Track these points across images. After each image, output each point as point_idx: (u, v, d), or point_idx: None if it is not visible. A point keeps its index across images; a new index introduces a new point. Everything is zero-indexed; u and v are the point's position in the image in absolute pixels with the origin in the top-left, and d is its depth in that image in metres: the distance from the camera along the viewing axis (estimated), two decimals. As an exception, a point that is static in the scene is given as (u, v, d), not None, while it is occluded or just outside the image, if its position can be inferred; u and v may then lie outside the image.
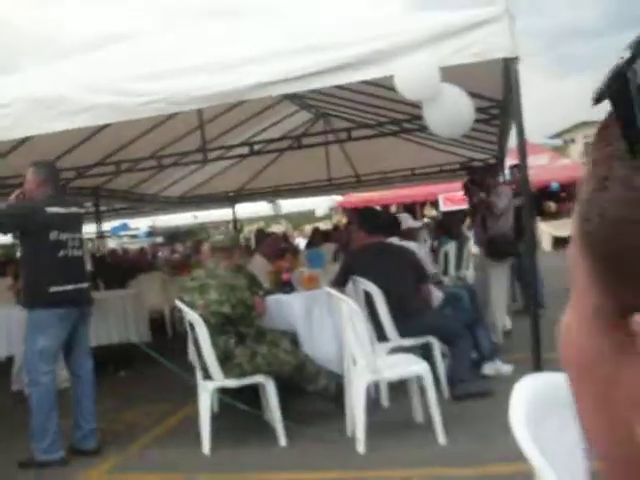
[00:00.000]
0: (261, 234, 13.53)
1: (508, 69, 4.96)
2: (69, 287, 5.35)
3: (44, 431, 5.25)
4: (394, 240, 6.84)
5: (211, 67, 5.03)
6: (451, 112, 4.69)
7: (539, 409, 1.48)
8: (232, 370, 5.24)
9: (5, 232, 5.83)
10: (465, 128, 4.96)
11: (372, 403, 5.22)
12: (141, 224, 25.32)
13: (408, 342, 5.81)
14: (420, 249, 6.87)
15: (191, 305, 5.35)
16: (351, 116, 10.92)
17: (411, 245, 6.76)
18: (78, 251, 5.54)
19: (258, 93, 4.98)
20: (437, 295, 6.55)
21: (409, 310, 5.85)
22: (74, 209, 5.67)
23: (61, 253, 5.37)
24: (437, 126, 4.84)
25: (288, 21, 5.22)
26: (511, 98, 5.12)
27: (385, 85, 6.57)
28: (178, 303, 5.46)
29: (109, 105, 5.22)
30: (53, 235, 5.33)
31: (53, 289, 5.28)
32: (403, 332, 5.82)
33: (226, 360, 5.25)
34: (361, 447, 4.79)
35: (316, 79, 4.76)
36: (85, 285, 5.60)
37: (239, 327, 5.37)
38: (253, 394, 5.65)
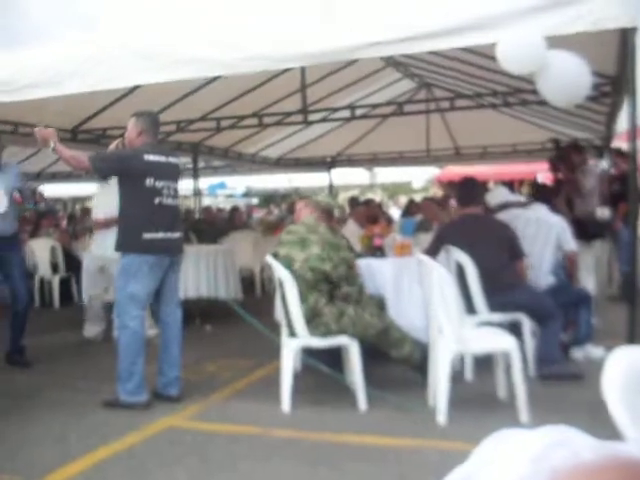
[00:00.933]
0: (354, 201, 13.53)
1: (625, 41, 4.73)
2: (162, 235, 5.41)
3: (130, 373, 5.36)
4: (543, 209, 6.66)
5: (315, 25, 4.96)
6: (563, 79, 4.47)
7: (633, 382, 1.39)
8: (318, 328, 5.22)
9: (103, 176, 5.89)
10: (582, 94, 4.70)
11: (456, 375, 5.13)
12: (237, 184, 25.56)
13: (497, 317, 5.69)
14: (562, 223, 6.55)
15: (288, 259, 5.31)
16: (454, 87, 10.72)
17: (556, 218, 6.54)
18: (173, 200, 5.58)
19: (359, 53, 4.87)
20: (549, 280, 6.31)
21: (501, 285, 5.71)
22: (172, 159, 5.68)
23: (156, 200, 5.43)
24: (550, 95, 4.62)
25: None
26: (626, 74, 4.88)
27: (489, 55, 6.41)
28: (269, 258, 5.45)
29: (210, 58, 5.21)
30: (149, 182, 5.39)
31: (146, 235, 5.35)
32: (493, 307, 5.70)
33: (313, 318, 5.23)
34: (442, 418, 4.72)
35: (416, 43, 4.60)
36: (178, 234, 5.62)
37: (341, 285, 5.32)
38: (336, 356, 5.64)
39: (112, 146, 5.69)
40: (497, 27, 4.31)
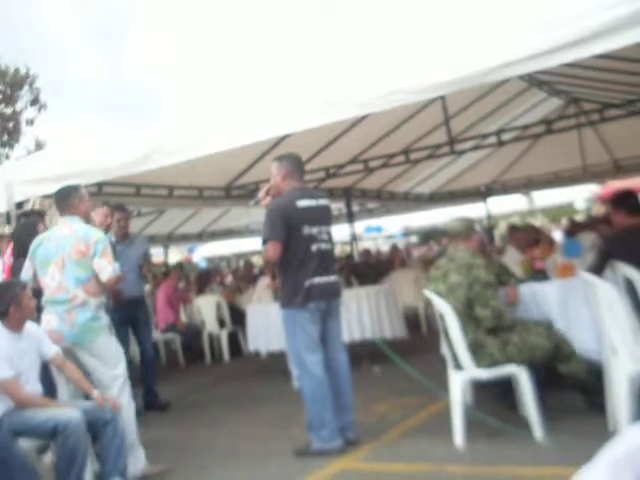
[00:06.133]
0: (512, 228, 13.24)
1: None
2: (318, 279, 5.37)
3: (321, 420, 5.29)
4: None
5: (448, 53, 4.89)
6: None
7: None
8: (483, 359, 5.08)
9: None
10: None
11: (637, 396, 4.83)
12: (393, 224, 25.57)
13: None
14: None
15: (437, 294, 5.26)
16: (604, 98, 10.34)
17: None
18: (327, 244, 5.52)
19: (495, 75, 4.75)
20: None
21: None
22: (322, 201, 5.62)
23: (313, 247, 5.39)
24: None
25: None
26: None
27: (635, 58, 6.12)
28: (428, 293, 5.37)
29: (348, 99, 5.25)
30: (305, 230, 5.36)
31: (307, 283, 5.33)
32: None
33: (477, 350, 5.10)
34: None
35: (553, 56, 4.42)
36: (334, 277, 5.57)
37: (474, 308, 5.17)
38: (507, 388, 5.45)
39: (262, 192, 5.64)
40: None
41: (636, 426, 0.79)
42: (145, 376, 7.94)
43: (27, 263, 5.52)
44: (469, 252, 5.38)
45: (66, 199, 5.52)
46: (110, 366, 5.29)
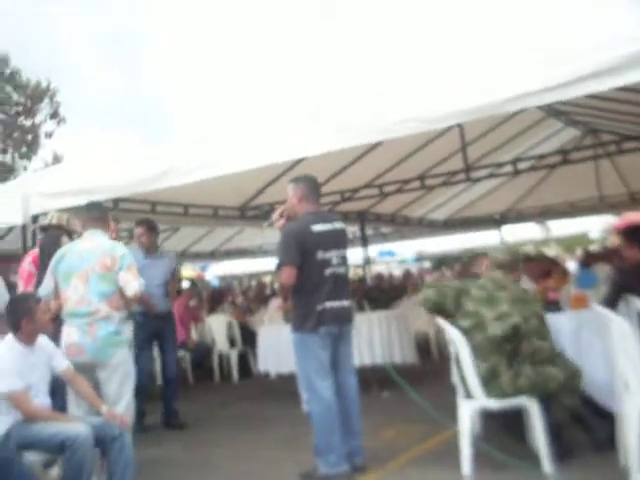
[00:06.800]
0: (526, 257, 13.20)
1: None
2: (331, 304, 5.35)
3: (329, 445, 5.25)
4: None
5: (467, 81, 4.90)
6: None
7: None
8: (494, 390, 5.03)
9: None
10: None
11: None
12: (407, 248, 25.51)
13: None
14: None
15: (474, 314, 5.20)
16: (622, 130, 10.31)
17: None
18: (342, 268, 5.49)
19: (516, 105, 4.76)
20: None
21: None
22: (337, 225, 5.59)
23: (327, 272, 5.37)
24: None
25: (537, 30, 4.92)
26: None
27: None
28: (440, 321, 5.33)
29: (366, 125, 5.25)
30: (319, 255, 5.34)
31: (318, 308, 5.31)
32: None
33: (490, 379, 5.05)
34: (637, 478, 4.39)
35: (571, 88, 4.42)
36: (347, 302, 5.53)
37: (532, 340, 5.14)
38: (517, 419, 5.41)
39: (276, 214, 5.62)
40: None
41: None
42: (165, 393, 7.92)
43: (48, 276, 5.58)
44: (516, 284, 5.36)
45: (95, 213, 5.67)
46: (121, 382, 5.33)
